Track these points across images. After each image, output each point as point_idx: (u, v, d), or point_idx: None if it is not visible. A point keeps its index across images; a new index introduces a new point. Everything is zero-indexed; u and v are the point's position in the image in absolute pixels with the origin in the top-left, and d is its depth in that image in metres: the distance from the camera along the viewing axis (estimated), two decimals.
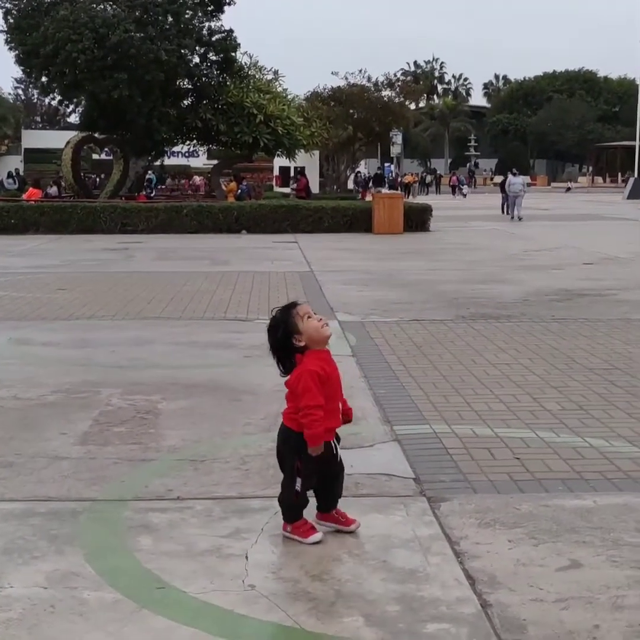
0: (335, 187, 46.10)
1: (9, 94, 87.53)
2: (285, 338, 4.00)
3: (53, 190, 32.18)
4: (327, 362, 4.06)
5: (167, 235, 24.01)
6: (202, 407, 6.40)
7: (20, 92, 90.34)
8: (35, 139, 63.50)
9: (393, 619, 3.34)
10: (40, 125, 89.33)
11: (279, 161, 46.92)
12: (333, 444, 4.12)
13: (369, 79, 44.04)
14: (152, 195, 31.83)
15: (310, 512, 4.16)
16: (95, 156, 56.21)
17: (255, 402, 6.48)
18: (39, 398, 6.61)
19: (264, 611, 3.38)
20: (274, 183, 55.39)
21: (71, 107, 35.51)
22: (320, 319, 4.05)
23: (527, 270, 15.35)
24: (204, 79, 32.02)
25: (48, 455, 5.25)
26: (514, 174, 33.18)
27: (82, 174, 51.65)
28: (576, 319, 10.22)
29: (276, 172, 56.32)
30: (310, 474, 4.06)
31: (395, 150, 63.81)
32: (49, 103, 64.07)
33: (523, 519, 4.29)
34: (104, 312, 10.72)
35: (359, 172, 59.53)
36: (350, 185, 54.31)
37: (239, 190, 31.26)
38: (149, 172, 38.71)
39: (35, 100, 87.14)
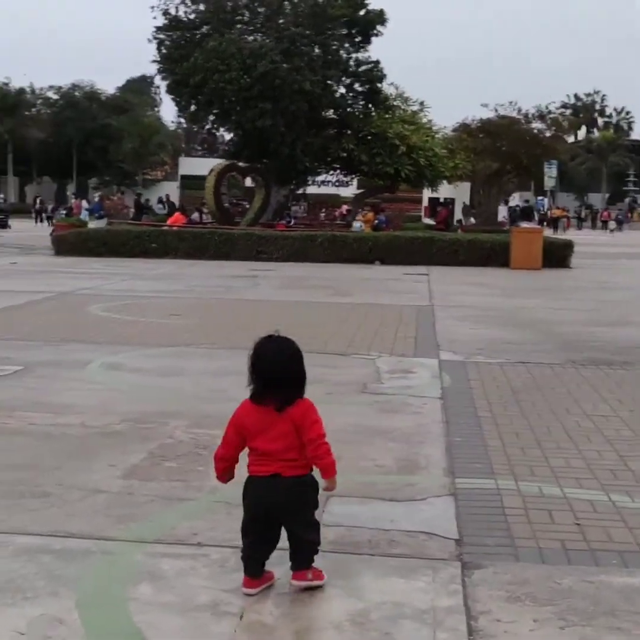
0: (472, 219, 45.44)
1: (172, 122, 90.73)
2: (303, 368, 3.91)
3: (195, 216, 32.95)
4: None
5: (300, 263, 24.10)
6: None
7: (182, 120, 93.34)
8: (192, 166, 65.24)
9: None
10: (200, 153, 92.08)
11: (429, 192, 46.64)
12: None
13: (519, 111, 43.30)
14: (291, 223, 32.13)
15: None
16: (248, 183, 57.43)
17: None
18: (105, 426, 6.57)
19: None
20: (422, 214, 55.18)
21: (229, 135, 36.35)
22: None
23: None
24: (348, 109, 32.19)
25: (87, 488, 5.15)
26: None
27: (234, 200, 52.92)
28: None
29: (425, 202, 56.11)
30: None
31: (549, 183, 62.42)
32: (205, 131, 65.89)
33: (559, 596, 3.87)
34: (204, 340, 10.71)
35: (517, 206, 58.57)
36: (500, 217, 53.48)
37: (376, 221, 31.15)
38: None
39: (195, 129, 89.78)
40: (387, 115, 32.57)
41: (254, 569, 3.86)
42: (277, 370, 3.81)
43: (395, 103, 33.76)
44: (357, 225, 30.03)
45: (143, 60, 69.30)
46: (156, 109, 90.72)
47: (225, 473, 4.00)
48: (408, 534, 4.58)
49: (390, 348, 10.58)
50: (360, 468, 5.72)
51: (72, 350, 9.82)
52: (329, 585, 3.91)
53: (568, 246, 25.71)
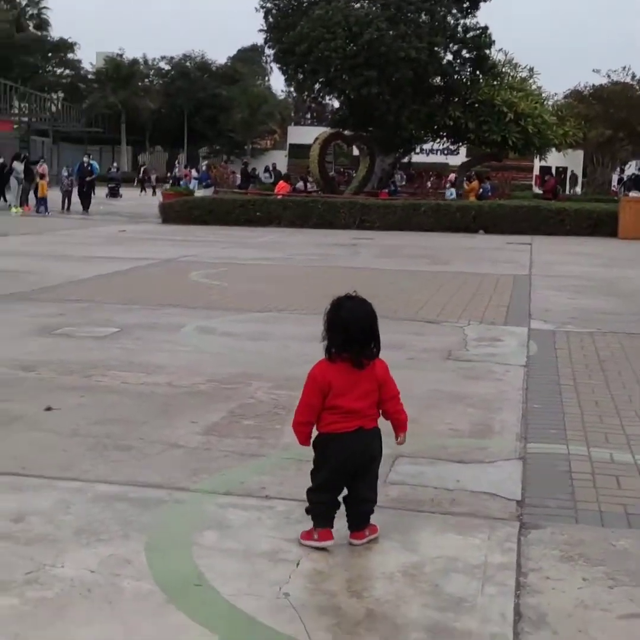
0: (578, 189, 44.32)
1: (282, 91, 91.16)
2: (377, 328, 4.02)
3: (300, 184, 33.22)
4: None
5: (403, 232, 24.11)
6: None
7: (292, 89, 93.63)
8: (300, 134, 65.58)
9: None
10: (309, 122, 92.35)
11: (539, 161, 45.76)
12: None
13: (632, 77, 42.03)
14: (397, 192, 32.05)
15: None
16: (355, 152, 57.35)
17: None
18: (191, 386, 6.83)
19: (285, 622, 3.29)
20: (533, 183, 54.21)
21: (337, 103, 36.41)
22: None
23: None
24: (455, 76, 31.81)
25: (168, 443, 5.40)
26: None
27: (341, 169, 52.96)
28: None
29: (536, 171, 55.10)
30: None
31: None
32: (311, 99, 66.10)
33: (612, 557, 3.92)
34: (296, 306, 10.91)
35: (633, 175, 56.95)
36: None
37: (481, 189, 30.79)
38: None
39: (304, 97, 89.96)
40: (494, 82, 32.10)
41: (330, 522, 4.02)
42: (356, 327, 3.94)
43: (503, 70, 33.19)
44: (448, 192, 29.83)
45: (253, 29, 69.66)
46: (266, 78, 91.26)
47: (309, 436, 4.13)
48: (471, 494, 4.68)
49: (480, 316, 10.59)
50: (435, 431, 5.82)
51: (168, 314, 10.16)
52: (386, 538, 4.05)
53: None
